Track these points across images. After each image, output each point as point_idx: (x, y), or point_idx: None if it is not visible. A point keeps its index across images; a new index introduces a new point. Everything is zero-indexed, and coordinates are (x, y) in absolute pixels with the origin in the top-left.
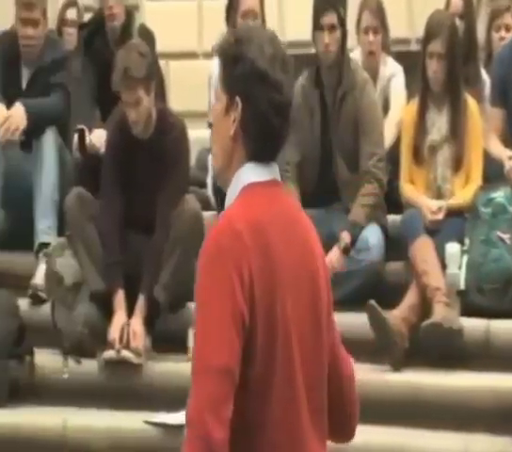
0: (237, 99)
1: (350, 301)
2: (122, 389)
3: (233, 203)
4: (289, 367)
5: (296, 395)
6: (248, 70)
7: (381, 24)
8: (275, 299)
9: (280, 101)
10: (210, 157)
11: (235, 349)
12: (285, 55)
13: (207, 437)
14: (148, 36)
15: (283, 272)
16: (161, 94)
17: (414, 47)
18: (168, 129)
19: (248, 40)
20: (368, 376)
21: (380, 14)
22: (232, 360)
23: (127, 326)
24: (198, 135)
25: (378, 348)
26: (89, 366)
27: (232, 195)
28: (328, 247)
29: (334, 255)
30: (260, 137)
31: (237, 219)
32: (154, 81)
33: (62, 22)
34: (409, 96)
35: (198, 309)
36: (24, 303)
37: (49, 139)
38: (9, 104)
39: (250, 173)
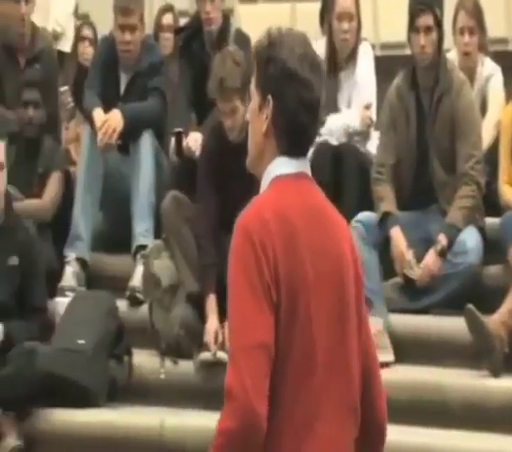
0: (269, 97)
1: (448, 305)
2: (218, 390)
3: (264, 193)
4: (308, 348)
5: (314, 381)
6: (279, 69)
7: (478, 25)
8: (298, 283)
9: (309, 98)
10: None
11: (270, 325)
12: (316, 56)
13: (250, 410)
14: (244, 40)
15: (309, 260)
16: None
17: None
18: None
19: (280, 43)
20: (467, 381)
21: (477, 14)
22: (269, 335)
23: (221, 329)
24: None
25: (477, 353)
26: (186, 367)
27: (263, 187)
28: (424, 249)
29: (431, 258)
30: (289, 133)
31: (266, 209)
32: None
33: (159, 27)
34: (508, 97)
35: (230, 287)
36: (122, 304)
37: (146, 143)
38: (108, 108)
39: (280, 166)
